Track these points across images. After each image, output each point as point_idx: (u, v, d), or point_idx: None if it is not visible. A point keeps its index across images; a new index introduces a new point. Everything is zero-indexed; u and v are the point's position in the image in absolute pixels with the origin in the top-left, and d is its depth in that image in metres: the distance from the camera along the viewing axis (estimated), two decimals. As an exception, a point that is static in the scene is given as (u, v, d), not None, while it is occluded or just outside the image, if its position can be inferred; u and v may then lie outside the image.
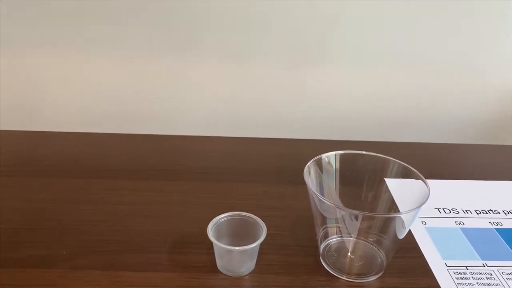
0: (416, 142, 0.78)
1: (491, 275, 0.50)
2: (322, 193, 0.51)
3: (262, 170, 0.67)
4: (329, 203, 0.46)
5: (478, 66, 0.81)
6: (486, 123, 0.85)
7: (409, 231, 0.56)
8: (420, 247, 0.54)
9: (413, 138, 0.81)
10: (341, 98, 0.82)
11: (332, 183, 0.52)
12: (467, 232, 0.56)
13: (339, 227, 0.51)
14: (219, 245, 0.46)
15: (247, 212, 0.51)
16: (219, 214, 0.50)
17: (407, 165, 0.50)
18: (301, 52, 0.78)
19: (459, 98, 0.83)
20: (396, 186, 0.52)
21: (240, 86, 0.81)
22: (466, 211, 0.60)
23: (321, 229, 0.50)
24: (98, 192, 0.60)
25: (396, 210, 0.50)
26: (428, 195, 0.46)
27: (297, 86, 0.81)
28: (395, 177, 0.51)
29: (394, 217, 0.46)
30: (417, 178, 0.49)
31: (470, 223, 0.58)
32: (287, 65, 0.79)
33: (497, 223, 0.58)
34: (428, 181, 0.64)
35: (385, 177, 0.52)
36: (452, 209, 0.60)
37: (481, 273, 0.50)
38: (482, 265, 0.51)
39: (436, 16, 0.76)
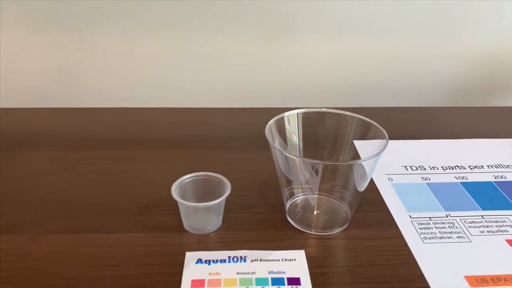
0: (384, 107, 0.79)
1: (453, 224, 0.51)
2: (285, 147, 0.52)
3: (233, 138, 0.68)
4: (291, 155, 0.47)
5: (445, 31, 0.81)
6: (452, 86, 0.86)
7: (375, 187, 0.57)
8: (386, 202, 0.54)
9: (381, 103, 0.82)
10: (308, 66, 0.82)
11: (295, 143, 0.53)
12: (433, 186, 0.57)
13: (303, 187, 0.51)
14: (184, 203, 0.47)
15: (216, 174, 0.51)
16: (185, 175, 0.51)
17: (366, 119, 0.51)
18: (269, 21, 0.78)
19: (425, 63, 0.83)
20: (359, 145, 0.52)
21: (208, 57, 0.81)
22: (433, 167, 0.61)
23: (287, 190, 0.51)
24: (69, 162, 0.61)
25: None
26: (386, 144, 0.46)
27: (266, 56, 0.82)
28: (356, 131, 0.51)
29: (352, 169, 0.47)
30: (376, 129, 0.49)
31: (436, 178, 0.59)
32: (255, 35, 0.80)
33: (463, 177, 0.59)
34: (397, 141, 0.66)
35: (347, 132, 0.52)
36: (419, 166, 0.61)
37: (443, 223, 0.51)
38: (445, 216, 0.52)
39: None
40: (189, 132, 0.70)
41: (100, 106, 0.78)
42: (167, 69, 0.82)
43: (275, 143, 0.49)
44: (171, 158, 0.62)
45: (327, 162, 0.46)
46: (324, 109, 0.53)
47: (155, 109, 0.77)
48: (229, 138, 0.68)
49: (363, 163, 0.46)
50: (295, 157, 0.47)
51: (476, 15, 0.80)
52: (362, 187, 0.49)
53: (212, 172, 0.51)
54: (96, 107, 0.78)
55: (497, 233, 0.50)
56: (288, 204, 0.52)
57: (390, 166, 0.61)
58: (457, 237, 0.49)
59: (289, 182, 0.50)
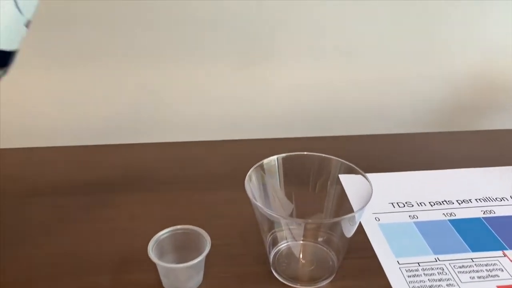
0: (367, 134, 0.77)
1: (443, 269, 0.49)
2: (266, 195, 0.50)
3: (213, 176, 0.65)
4: (272, 214, 0.45)
5: (426, 53, 0.80)
6: (436, 110, 0.85)
7: (362, 230, 0.55)
8: (373, 246, 0.53)
9: (363, 130, 0.80)
10: (291, 94, 0.80)
11: (276, 185, 0.51)
12: (420, 226, 0.56)
13: (285, 231, 0.49)
14: (162, 265, 0.44)
15: (196, 222, 0.49)
16: (166, 228, 0.48)
17: (350, 164, 0.49)
18: (250, 50, 0.76)
19: (407, 87, 0.82)
20: (345, 180, 0.50)
21: (183, 88, 0.79)
22: (420, 203, 0.60)
23: (269, 235, 0.49)
24: (36, 211, 0.57)
25: (346, 204, 0.49)
26: (371, 195, 0.44)
27: (246, 85, 0.79)
28: (341, 171, 0.50)
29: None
30: (360, 173, 0.47)
31: (423, 216, 0.57)
32: (236, 64, 0.77)
33: (451, 214, 0.58)
34: (381, 174, 0.64)
35: (331, 173, 0.50)
36: (406, 203, 0.60)
37: (432, 269, 0.49)
38: (434, 260, 0.50)
39: (383, 4, 0.75)
40: (165, 171, 0.67)
41: (61, 145, 0.73)
42: (138, 102, 0.79)
43: (255, 189, 0.47)
44: (146, 203, 0.59)
45: (310, 221, 0.44)
46: (305, 152, 0.51)
47: (124, 146, 0.73)
48: (208, 177, 0.65)
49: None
50: (280, 216, 0.45)
51: (458, 35, 0.79)
52: (350, 233, 0.47)
53: (191, 220, 0.49)
54: (56, 145, 0.73)
55: (487, 279, 0.48)
56: (272, 255, 0.50)
57: (377, 204, 0.59)
58: (446, 285, 0.47)
59: (271, 227, 0.48)
